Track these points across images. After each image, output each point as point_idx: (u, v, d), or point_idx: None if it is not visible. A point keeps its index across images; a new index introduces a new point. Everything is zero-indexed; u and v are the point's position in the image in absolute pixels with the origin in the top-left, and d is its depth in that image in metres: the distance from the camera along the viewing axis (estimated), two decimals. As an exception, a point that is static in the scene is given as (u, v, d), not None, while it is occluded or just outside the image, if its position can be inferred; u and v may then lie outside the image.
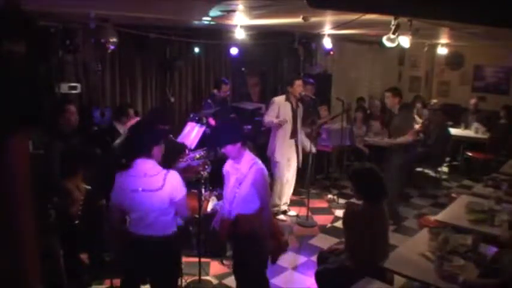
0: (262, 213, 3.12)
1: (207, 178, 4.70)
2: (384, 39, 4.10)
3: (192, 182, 4.73)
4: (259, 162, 3.19)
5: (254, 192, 3.07)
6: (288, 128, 5.40)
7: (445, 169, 7.84)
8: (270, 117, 5.37)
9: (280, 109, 5.36)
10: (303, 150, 5.69)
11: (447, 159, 7.87)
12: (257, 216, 3.10)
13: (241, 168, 3.13)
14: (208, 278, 4.15)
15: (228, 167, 3.27)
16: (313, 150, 5.71)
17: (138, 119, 4.59)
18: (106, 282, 3.89)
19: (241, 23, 4.72)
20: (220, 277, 4.17)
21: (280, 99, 5.43)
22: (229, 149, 3.10)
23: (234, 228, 3.16)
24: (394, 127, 5.44)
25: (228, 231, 3.23)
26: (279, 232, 3.43)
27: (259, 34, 6.13)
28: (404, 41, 4.35)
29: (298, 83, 5.43)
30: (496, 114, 7.75)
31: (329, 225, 5.50)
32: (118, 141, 4.25)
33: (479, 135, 7.71)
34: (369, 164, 3.51)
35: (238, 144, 3.09)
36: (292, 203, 5.89)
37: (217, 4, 3.33)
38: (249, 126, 6.44)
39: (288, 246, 3.56)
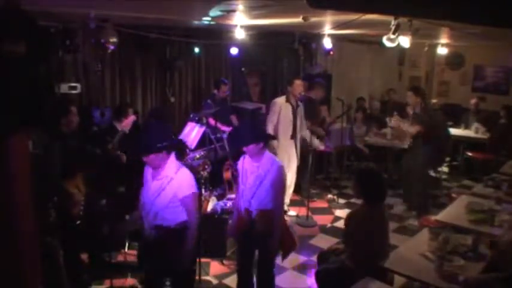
0: (277, 210, 3.23)
1: (207, 178, 4.70)
2: (384, 39, 4.10)
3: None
4: (278, 160, 3.29)
5: (273, 190, 3.17)
6: (288, 128, 5.40)
7: (445, 169, 7.84)
8: (271, 123, 5.34)
9: (281, 111, 5.35)
10: (310, 147, 5.66)
11: (447, 159, 7.87)
12: (273, 213, 3.20)
13: (261, 167, 3.20)
14: (208, 278, 4.15)
15: (246, 164, 3.31)
16: (321, 147, 5.80)
17: (133, 116, 4.59)
18: (106, 282, 3.88)
19: (241, 23, 4.72)
20: (220, 277, 4.16)
21: (281, 101, 5.42)
22: (251, 148, 3.17)
23: (251, 225, 3.24)
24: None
25: (244, 228, 3.30)
26: (290, 228, 3.54)
27: (259, 34, 6.13)
28: (404, 41, 4.35)
29: (298, 82, 5.43)
30: (496, 114, 7.74)
31: (329, 225, 5.50)
32: (115, 140, 4.25)
33: (479, 135, 7.71)
34: (371, 165, 3.52)
35: (261, 144, 3.18)
36: (292, 203, 5.88)
37: (217, 4, 3.33)
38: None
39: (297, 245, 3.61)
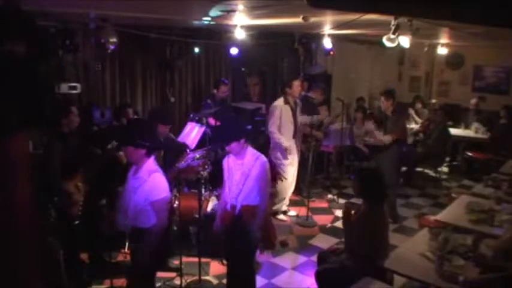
0: (262, 204, 3.27)
1: (207, 178, 4.70)
2: (384, 39, 4.10)
3: (192, 182, 4.75)
4: (263, 155, 3.32)
5: (259, 185, 3.22)
6: (290, 129, 5.40)
7: (445, 169, 7.84)
8: (274, 128, 5.28)
9: (282, 114, 5.34)
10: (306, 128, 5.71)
11: (447, 159, 7.87)
12: (258, 207, 3.25)
13: (245, 163, 3.23)
14: (208, 278, 4.15)
15: (231, 162, 3.34)
16: (310, 120, 5.65)
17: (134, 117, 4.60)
18: (106, 282, 3.89)
19: (241, 23, 4.72)
20: (220, 277, 4.16)
21: (280, 104, 5.38)
22: (233, 145, 3.19)
23: (237, 220, 3.27)
24: (388, 130, 5.55)
25: (229, 223, 3.33)
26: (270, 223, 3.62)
27: (259, 34, 6.13)
28: (404, 41, 4.35)
29: (297, 83, 5.42)
30: (496, 114, 7.75)
31: (329, 225, 5.50)
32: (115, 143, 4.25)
33: (479, 135, 7.72)
34: (373, 165, 3.53)
35: (242, 141, 3.20)
36: (292, 203, 5.88)
37: (217, 4, 3.33)
38: (250, 126, 6.45)
39: (287, 245, 3.62)
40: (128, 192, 3.03)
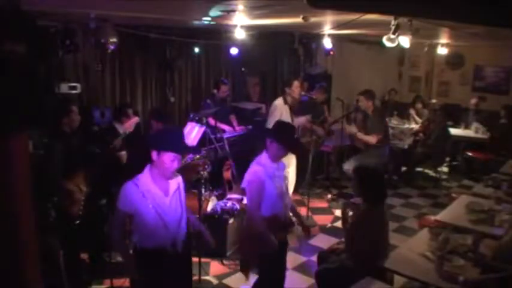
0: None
1: (207, 178, 4.70)
2: (384, 39, 4.09)
3: (192, 182, 4.75)
4: None
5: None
6: None
7: (445, 169, 7.84)
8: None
9: (282, 114, 5.34)
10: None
11: (447, 159, 7.87)
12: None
13: (281, 167, 3.26)
14: (208, 278, 4.15)
15: (272, 170, 3.12)
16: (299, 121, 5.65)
17: (136, 118, 4.59)
18: (106, 282, 3.89)
19: (241, 23, 4.72)
20: (220, 277, 4.17)
21: (280, 104, 5.40)
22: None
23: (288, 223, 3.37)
24: (368, 129, 5.62)
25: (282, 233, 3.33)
26: None
27: (259, 34, 6.13)
28: (404, 41, 4.35)
29: (297, 84, 5.42)
30: (496, 114, 7.75)
31: (329, 225, 5.50)
32: (115, 142, 4.25)
33: (479, 135, 7.71)
34: (372, 165, 3.53)
35: None
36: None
37: (217, 4, 3.33)
38: (250, 126, 6.45)
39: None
40: (178, 210, 2.75)
